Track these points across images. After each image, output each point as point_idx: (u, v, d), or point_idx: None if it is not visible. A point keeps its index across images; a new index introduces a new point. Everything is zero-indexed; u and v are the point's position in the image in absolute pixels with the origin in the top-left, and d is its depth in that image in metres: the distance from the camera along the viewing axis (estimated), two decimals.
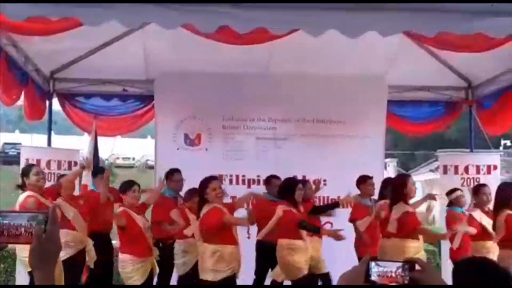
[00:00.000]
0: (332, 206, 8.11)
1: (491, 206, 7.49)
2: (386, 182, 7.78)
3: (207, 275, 6.32)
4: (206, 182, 6.49)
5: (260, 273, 7.90)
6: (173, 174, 8.04)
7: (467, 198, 8.11)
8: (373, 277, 1.87)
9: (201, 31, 5.63)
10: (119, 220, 6.66)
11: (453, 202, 8.08)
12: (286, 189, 7.25)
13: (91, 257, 7.38)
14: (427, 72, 9.46)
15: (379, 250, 6.88)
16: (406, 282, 1.87)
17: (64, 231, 6.52)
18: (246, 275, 7.27)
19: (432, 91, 10.14)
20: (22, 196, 6.71)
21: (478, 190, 7.90)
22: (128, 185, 6.96)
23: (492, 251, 7.15)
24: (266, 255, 7.60)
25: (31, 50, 8.03)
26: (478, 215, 7.57)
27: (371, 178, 8.09)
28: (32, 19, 5.13)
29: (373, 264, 1.88)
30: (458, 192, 8.13)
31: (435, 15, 5.17)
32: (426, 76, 9.68)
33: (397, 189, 6.88)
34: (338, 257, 7.46)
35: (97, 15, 4.86)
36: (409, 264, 1.89)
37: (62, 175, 7.74)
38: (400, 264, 1.89)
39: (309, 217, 7.40)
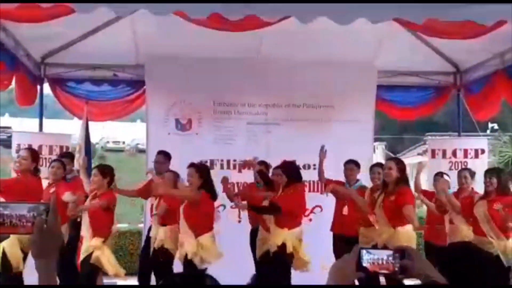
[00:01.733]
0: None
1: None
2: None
3: None
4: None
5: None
6: (156, 156, 8.21)
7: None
8: (365, 264, 1.93)
9: (192, 18, 5.66)
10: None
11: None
12: (296, 171, 7.44)
13: None
14: (416, 57, 9.51)
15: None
16: (396, 269, 1.93)
17: None
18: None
19: (421, 76, 10.22)
20: None
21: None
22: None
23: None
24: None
25: (22, 35, 8.02)
26: None
27: (348, 162, 8.17)
28: (24, 5, 5.14)
29: (364, 252, 1.94)
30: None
31: (423, 3, 5.22)
32: (414, 61, 9.74)
33: None
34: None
35: (88, 2, 4.88)
36: (400, 252, 1.96)
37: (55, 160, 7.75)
38: (390, 252, 1.95)
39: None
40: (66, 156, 8.40)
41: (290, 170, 7.32)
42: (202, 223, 6.81)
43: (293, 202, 7.12)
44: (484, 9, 5.21)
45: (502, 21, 5.53)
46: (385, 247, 5.61)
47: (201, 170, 7.01)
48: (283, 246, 6.92)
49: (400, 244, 6.34)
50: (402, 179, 6.80)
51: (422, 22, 5.39)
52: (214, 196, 6.98)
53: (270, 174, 7.80)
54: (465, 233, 7.37)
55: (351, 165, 8.10)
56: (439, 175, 8.05)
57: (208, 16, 5.15)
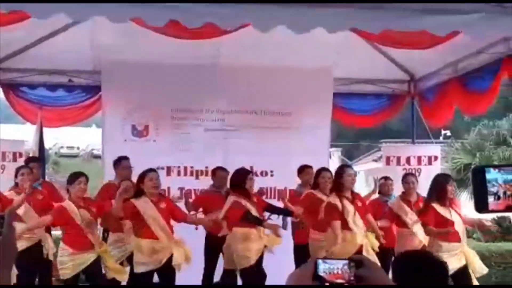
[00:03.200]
0: (285, 213, 8.04)
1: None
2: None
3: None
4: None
5: (211, 266, 7.96)
6: (120, 161, 8.06)
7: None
8: (321, 274, 1.95)
9: (149, 25, 5.64)
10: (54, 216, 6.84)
11: (380, 190, 8.41)
12: (236, 179, 7.35)
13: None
14: (372, 66, 9.65)
15: None
16: (352, 278, 1.95)
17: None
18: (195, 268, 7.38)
19: (377, 84, 10.37)
20: None
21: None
22: (75, 176, 6.95)
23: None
24: (215, 246, 7.71)
25: None
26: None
27: (310, 167, 8.26)
28: None
29: (320, 261, 1.96)
30: (382, 180, 8.47)
31: (380, 13, 5.33)
32: (371, 70, 9.87)
33: None
34: None
35: (46, 8, 4.83)
36: (355, 261, 1.98)
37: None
38: (346, 261, 1.98)
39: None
40: (34, 161, 8.32)
41: None
42: None
43: None
44: (438, 20, 5.35)
45: (456, 32, 5.67)
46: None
47: None
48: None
49: None
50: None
51: (378, 32, 5.49)
52: None
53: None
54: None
55: (311, 170, 8.20)
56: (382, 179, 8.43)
57: (166, 24, 5.14)
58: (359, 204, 7.23)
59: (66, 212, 6.73)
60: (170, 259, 6.74)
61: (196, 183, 9.12)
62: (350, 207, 7.00)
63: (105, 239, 7.52)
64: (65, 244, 6.79)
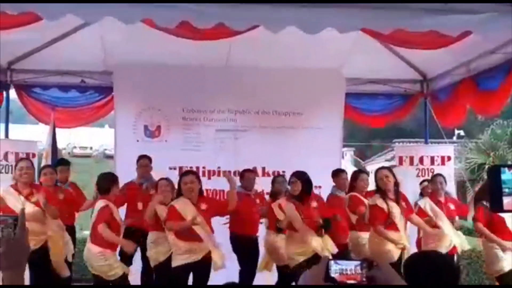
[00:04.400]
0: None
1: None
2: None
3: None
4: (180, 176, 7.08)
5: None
6: (139, 160, 8.23)
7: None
8: (333, 275, 1.95)
9: (160, 26, 5.65)
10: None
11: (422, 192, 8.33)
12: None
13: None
14: (384, 66, 9.59)
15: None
16: (364, 279, 1.95)
17: None
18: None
19: (389, 84, 10.33)
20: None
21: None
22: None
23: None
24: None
25: None
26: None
27: (344, 171, 8.38)
28: None
29: (332, 262, 1.96)
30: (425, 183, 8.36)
31: (391, 13, 5.30)
32: (382, 69, 9.82)
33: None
34: None
35: (57, 9, 4.85)
36: (367, 262, 1.98)
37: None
38: (358, 262, 1.97)
39: None
40: (63, 163, 8.69)
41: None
42: None
43: None
44: (450, 20, 5.31)
45: (468, 32, 5.64)
46: None
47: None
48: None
49: None
50: None
51: (389, 32, 5.46)
52: None
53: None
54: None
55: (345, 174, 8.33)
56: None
57: (177, 25, 5.15)
58: (404, 205, 7.29)
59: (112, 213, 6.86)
60: (207, 259, 6.79)
61: (208, 183, 9.10)
62: (395, 209, 7.08)
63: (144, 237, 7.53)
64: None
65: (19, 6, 4.86)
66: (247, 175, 8.21)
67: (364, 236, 7.52)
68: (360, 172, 8.27)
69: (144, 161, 8.23)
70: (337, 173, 8.31)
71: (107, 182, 7.02)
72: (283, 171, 9.05)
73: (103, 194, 6.94)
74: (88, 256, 6.80)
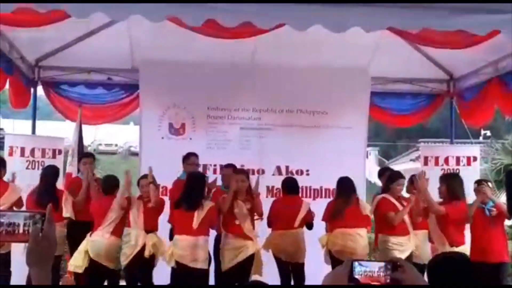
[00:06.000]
0: None
1: None
2: None
3: None
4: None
5: None
6: (188, 158, 8.24)
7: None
8: (356, 276, 1.94)
9: (186, 24, 5.67)
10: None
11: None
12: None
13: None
14: (410, 65, 9.55)
15: None
16: (388, 281, 1.94)
17: None
18: None
19: (414, 83, 10.26)
20: None
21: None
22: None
23: None
24: None
25: (16, 38, 8.01)
26: None
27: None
28: (21, 10, 5.15)
29: (356, 264, 1.95)
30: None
31: (418, 12, 5.25)
32: (408, 69, 9.78)
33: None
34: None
35: (84, 7, 4.89)
36: (391, 264, 1.97)
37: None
38: (382, 264, 1.96)
39: None
40: (88, 156, 8.68)
41: None
42: None
43: None
44: (478, 20, 5.26)
45: (496, 31, 5.57)
46: None
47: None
48: None
49: None
50: None
51: (415, 31, 5.42)
52: None
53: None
54: None
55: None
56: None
57: (203, 23, 5.16)
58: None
59: None
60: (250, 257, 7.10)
61: None
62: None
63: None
64: None
65: (48, 4, 4.91)
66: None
67: (394, 239, 7.43)
68: (398, 177, 7.86)
69: (193, 159, 8.25)
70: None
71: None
72: (307, 170, 9.06)
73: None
74: None
